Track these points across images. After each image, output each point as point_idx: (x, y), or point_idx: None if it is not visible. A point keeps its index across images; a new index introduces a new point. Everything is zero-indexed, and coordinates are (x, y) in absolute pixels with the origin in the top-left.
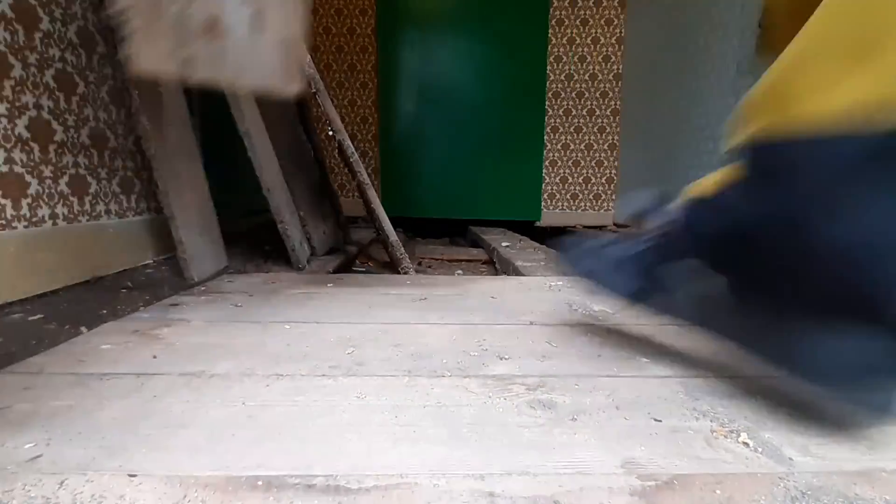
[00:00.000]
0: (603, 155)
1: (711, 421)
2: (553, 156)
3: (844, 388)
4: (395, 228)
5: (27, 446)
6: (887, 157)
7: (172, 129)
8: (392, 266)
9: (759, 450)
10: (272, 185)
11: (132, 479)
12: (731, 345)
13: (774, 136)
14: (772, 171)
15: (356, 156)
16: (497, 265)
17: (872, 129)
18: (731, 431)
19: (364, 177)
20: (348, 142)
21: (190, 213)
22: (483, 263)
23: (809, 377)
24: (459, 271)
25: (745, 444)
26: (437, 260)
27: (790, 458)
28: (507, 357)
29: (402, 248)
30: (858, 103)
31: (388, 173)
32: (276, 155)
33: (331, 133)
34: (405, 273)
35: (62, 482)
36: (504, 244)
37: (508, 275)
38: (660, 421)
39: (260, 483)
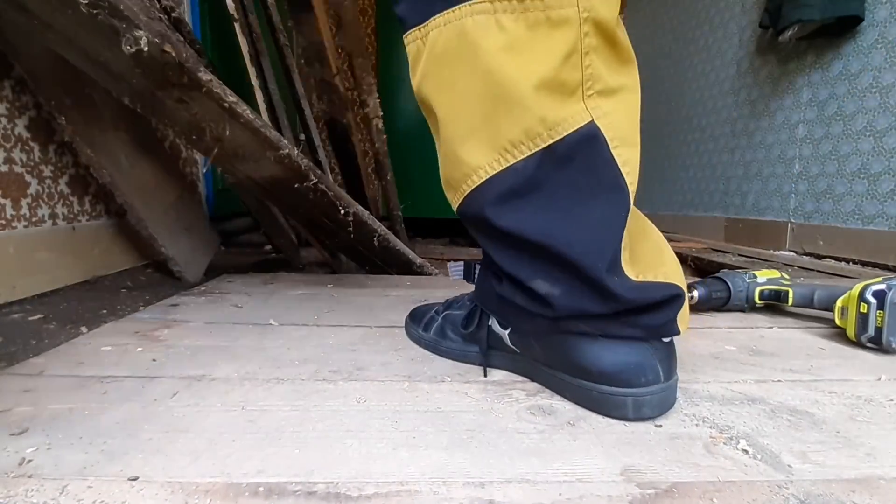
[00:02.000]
0: None
1: (710, 427)
2: None
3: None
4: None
5: (28, 450)
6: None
7: (117, 133)
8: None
9: (758, 457)
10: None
11: (133, 484)
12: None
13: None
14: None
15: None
16: None
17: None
18: (730, 438)
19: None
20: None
21: (168, 217)
22: None
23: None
24: None
25: (745, 451)
26: (436, 260)
27: (789, 466)
28: None
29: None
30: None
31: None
32: None
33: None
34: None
35: (63, 487)
36: None
37: None
38: (659, 427)
39: (261, 490)
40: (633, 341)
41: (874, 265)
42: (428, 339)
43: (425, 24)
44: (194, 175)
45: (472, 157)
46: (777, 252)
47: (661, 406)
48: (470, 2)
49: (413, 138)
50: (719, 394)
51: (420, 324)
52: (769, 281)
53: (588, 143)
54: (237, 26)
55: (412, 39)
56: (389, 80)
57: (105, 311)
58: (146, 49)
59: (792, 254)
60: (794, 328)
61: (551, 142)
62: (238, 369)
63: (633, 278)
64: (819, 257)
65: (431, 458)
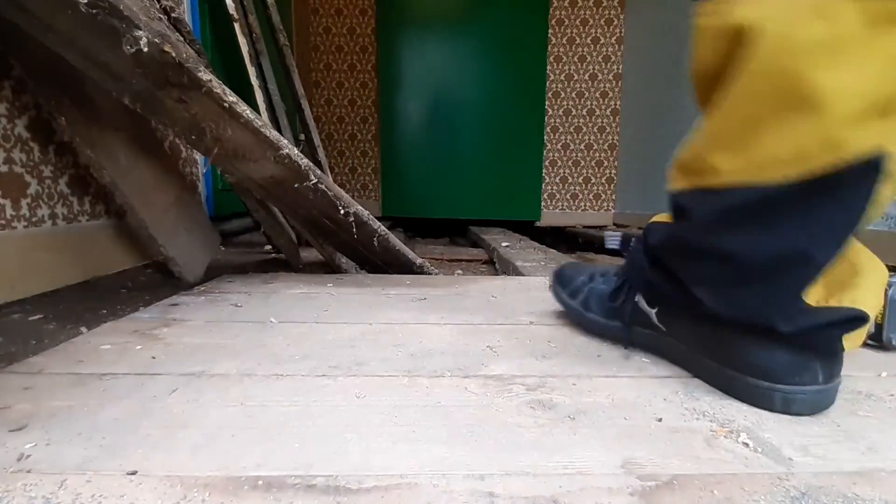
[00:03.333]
0: (603, 155)
1: (711, 421)
2: (553, 156)
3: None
4: (394, 228)
5: (27, 446)
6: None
7: (117, 133)
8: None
9: (759, 450)
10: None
11: (132, 479)
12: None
13: (690, 191)
14: (687, 215)
15: None
16: (497, 265)
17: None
18: (731, 431)
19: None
20: None
21: (168, 218)
22: (483, 263)
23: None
24: (459, 271)
25: (745, 444)
26: (437, 260)
27: (790, 459)
28: (506, 357)
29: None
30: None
31: (388, 173)
32: None
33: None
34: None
35: (62, 482)
36: (504, 244)
37: (508, 275)
38: (660, 421)
39: (260, 483)
40: (793, 340)
41: None
42: (574, 308)
43: None
44: (194, 175)
45: (723, 161)
46: None
47: (813, 406)
48: None
49: (413, 139)
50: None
51: (567, 288)
52: None
53: (862, 174)
54: (237, 26)
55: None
56: (390, 81)
57: (105, 311)
58: (146, 49)
59: None
60: None
61: (822, 167)
62: (237, 366)
63: (813, 303)
64: None
65: (431, 452)
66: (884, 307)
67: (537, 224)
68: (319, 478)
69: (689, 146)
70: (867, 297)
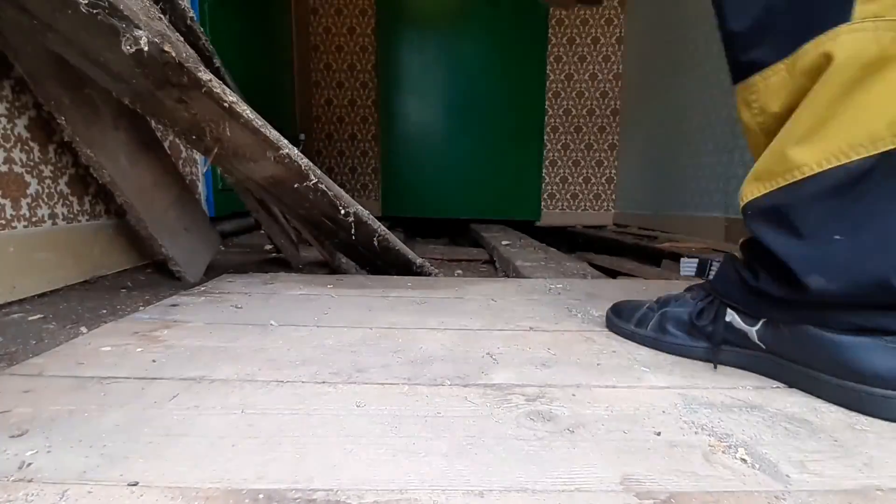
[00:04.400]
0: (603, 155)
1: (709, 435)
2: (553, 156)
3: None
4: (394, 228)
5: (28, 453)
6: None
7: (117, 133)
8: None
9: (757, 466)
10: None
11: (133, 490)
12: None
13: (777, 191)
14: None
15: None
16: (497, 265)
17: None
18: (729, 447)
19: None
20: None
21: (168, 217)
22: (483, 263)
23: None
24: (459, 271)
25: (743, 459)
26: (437, 260)
27: (787, 476)
28: (506, 365)
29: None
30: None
31: (388, 173)
32: None
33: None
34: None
35: (63, 492)
36: (504, 242)
37: (508, 274)
38: (658, 434)
39: (261, 496)
40: None
41: None
42: (645, 335)
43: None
44: (194, 175)
45: (803, 155)
46: None
47: None
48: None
49: (413, 139)
50: (718, 400)
51: (631, 320)
52: None
53: None
54: None
55: (774, 72)
56: (390, 81)
57: (105, 312)
58: (146, 49)
59: None
60: None
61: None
62: (238, 371)
63: None
64: None
65: (431, 466)
66: None
67: (537, 224)
68: (320, 492)
69: (765, 156)
70: None
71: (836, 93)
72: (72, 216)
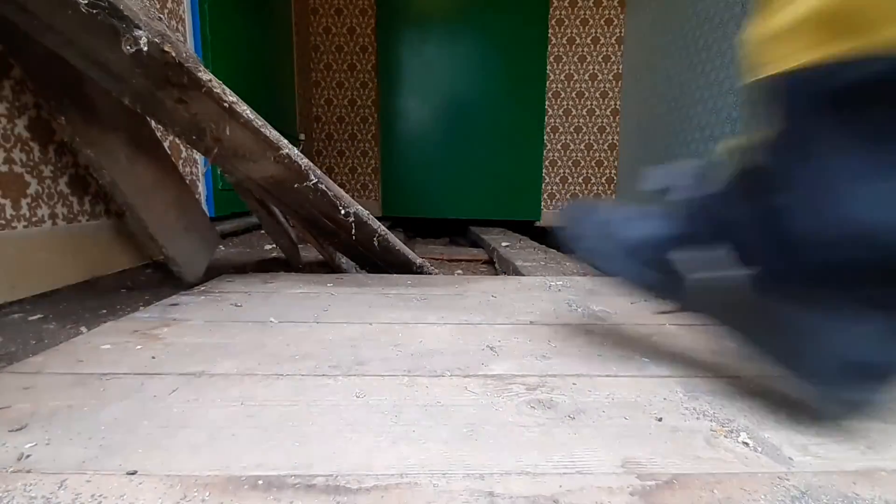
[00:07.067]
0: (603, 155)
1: (711, 420)
2: (553, 156)
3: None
4: (394, 228)
5: (27, 446)
6: None
7: (117, 133)
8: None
9: (759, 449)
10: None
11: (132, 478)
12: (743, 343)
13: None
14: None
15: None
16: (497, 265)
17: None
18: (731, 431)
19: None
20: None
21: (168, 217)
22: (483, 263)
23: (809, 376)
24: (459, 271)
25: (745, 443)
26: (437, 260)
27: (790, 458)
28: (506, 357)
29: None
30: None
31: (388, 173)
32: None
33: None
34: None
35: (62, 482)
36: (504, 244)
37: (508, 275)
38: (660, 420)
39: (260, 483)
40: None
41: None
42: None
43: None
44: (194, 175)
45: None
46: None
47: None
48: None
49: (413, 139)
50: (720, 388)
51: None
52: None
53: None
54: None
55: None
56: (390, 81)
57: (105, 311)
58: (146, 49)
59: None
60: None
61: None
62: (237, 365)
63: None
64: None
65: (431, 452)
66: None
67: (537, 224)
68: (319, 477)
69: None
70: None
71: None
72: (72, 216)
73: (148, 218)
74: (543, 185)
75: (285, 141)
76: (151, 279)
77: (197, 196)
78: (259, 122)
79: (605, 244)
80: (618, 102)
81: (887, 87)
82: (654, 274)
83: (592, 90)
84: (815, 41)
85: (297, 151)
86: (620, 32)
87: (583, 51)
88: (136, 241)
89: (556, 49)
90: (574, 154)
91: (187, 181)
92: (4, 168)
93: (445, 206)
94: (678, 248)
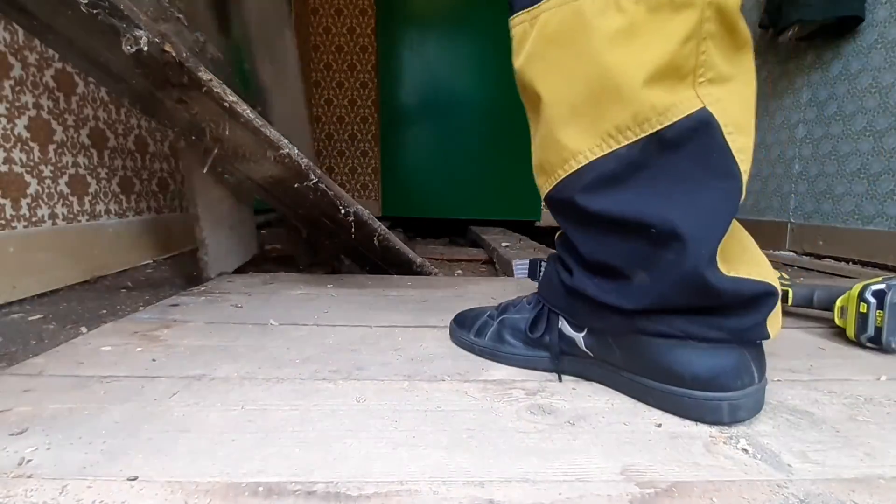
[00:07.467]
0: None
1: (710, 427)
2: None
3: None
4: (394, 228)
5: (28, 450)
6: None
7: None
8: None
9: (758, 456)
10: None
11: (133, 484)
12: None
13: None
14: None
15: None
16: (497, 265)
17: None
18: (730, 437)
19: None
20: None
21: (220, 209)
22: (483, 263)
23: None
24: (459, 271)
25: (744, 450)
26: (436, 260)
27: (789, 465)
28: None
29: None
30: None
31: (388, 173)
32: None
33: None
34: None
35: (63, 487)
36: (504, 244)
37: (508, 275)
38: (659, 426)
39: (261, 489)
40: (722, 344)
41: (874, 265)
42: (483, 345)
43: (537, 5)
44: None
45: (572, 141)
46: (777, 252)
47: (754, 408)
48: None
49: (413, 139)
50: None
51: (471, 329)
52: None
53: (701, 128)
54: None
55: (519, 22)
56: (390, 81)
57: (105, 311)
58: (146, 49)
59: (792, 254)
60: (793, 328)
61: (660, 127)
62: (238, 369)
63: (726, 273)
64: (819, 257)
65: (431, 458)
66: (883, 310)
67: (537, 224)
68: (319, 484)
69: (540, 140)
70: (768, 273)
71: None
72: (72, 216)
73: (201, 200)
74: None
75: (285, 141)
76: (151, 279)
77: (250, 205)
78: (259, 121)
79: (486, 339)
80: None
81: (564, 202)
82: (532, 353)
83: None
84: (541, 177)
85: (297, 151)
86: None
87: None
88: (136, 241)
89: None
90: None
91: None
92: (4, 168)
93: (445, 206)
94: (539, 327)
